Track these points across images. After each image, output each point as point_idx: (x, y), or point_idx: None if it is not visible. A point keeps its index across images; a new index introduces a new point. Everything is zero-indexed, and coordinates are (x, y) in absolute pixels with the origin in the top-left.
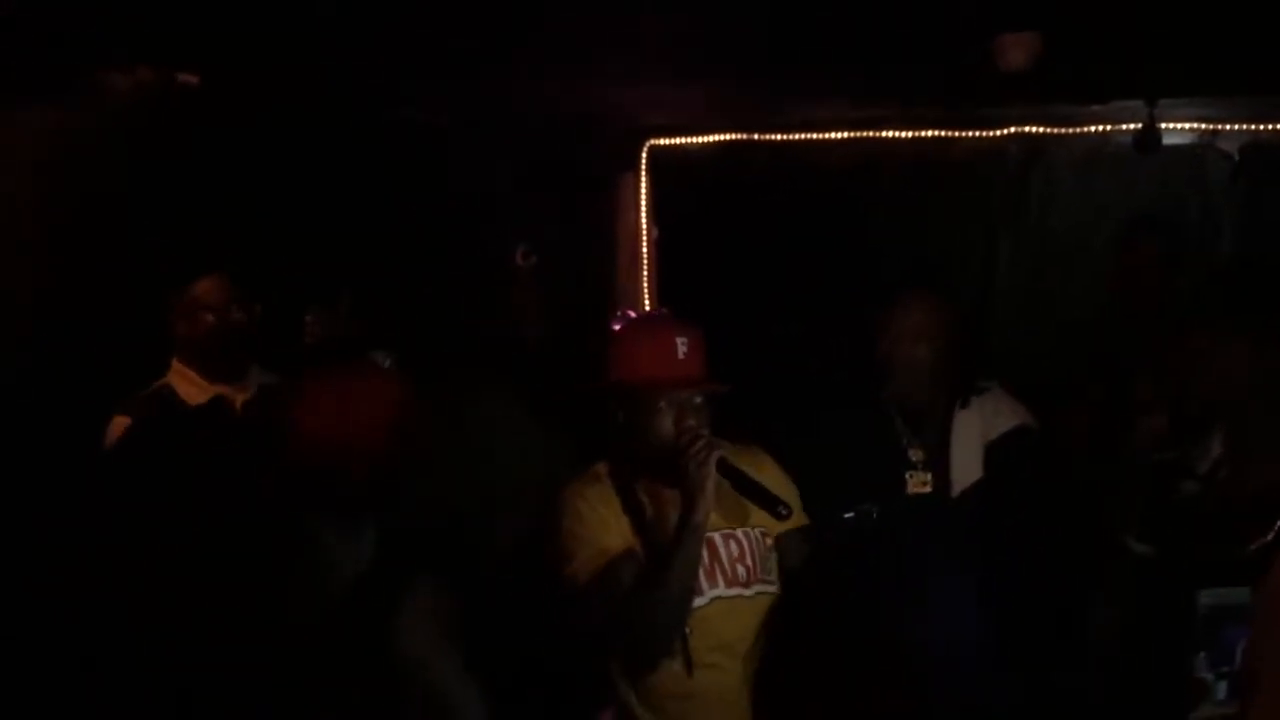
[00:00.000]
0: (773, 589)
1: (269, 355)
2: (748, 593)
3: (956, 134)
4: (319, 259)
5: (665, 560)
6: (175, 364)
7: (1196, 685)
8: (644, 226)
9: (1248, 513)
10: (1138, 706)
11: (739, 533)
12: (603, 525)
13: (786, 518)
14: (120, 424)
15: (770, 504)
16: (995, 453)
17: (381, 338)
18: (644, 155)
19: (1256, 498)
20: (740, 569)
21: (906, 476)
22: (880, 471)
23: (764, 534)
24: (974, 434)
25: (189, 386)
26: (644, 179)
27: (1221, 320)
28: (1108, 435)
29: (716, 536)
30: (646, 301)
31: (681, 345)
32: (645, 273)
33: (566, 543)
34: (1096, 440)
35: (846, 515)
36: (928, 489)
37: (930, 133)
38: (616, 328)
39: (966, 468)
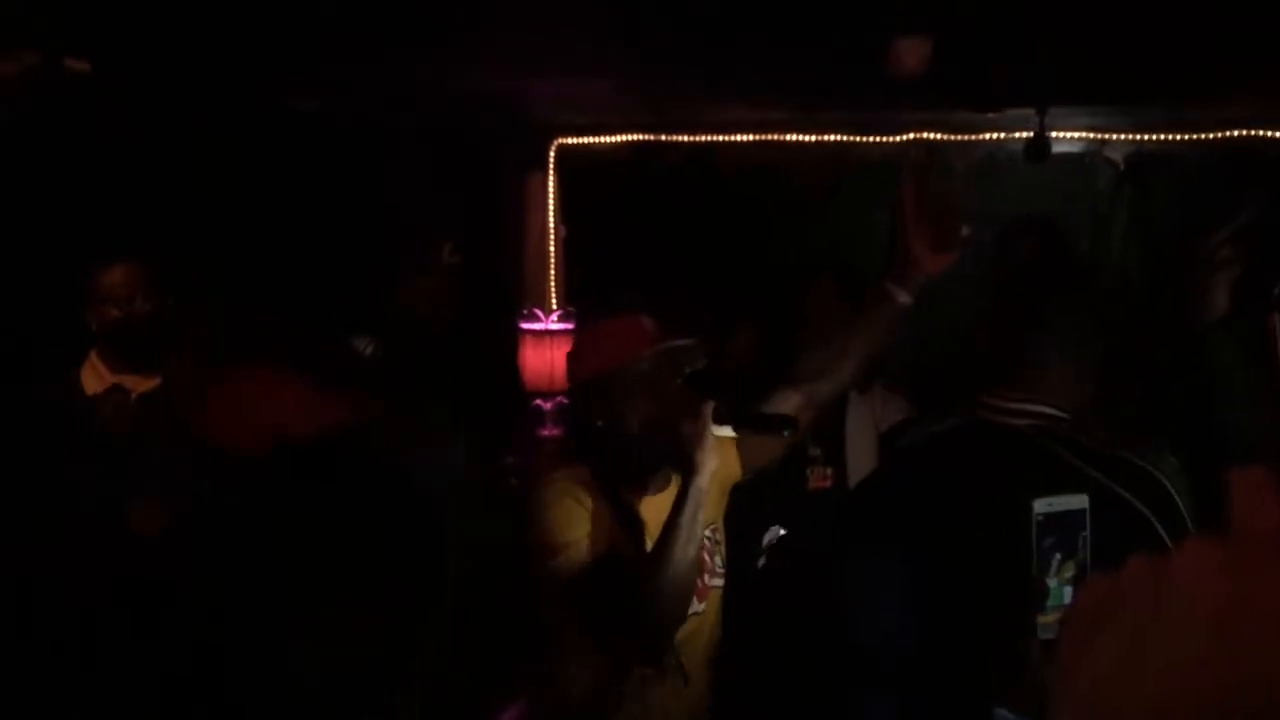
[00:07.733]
0: (719, 581)
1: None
2: (704, 605)
3: (857, 139)
4: (222, 250)
5: (668, 534)
6: (92, 353)
7: (1040, 590)
8: (551, 225)
9: None
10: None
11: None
12: (591, 521)
13: (791, 437)
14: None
15: (777, 427)
16: (890, 442)
17: (360, 323)
18: (552, 154)
19: None
20: (705, 578)
21: (807, 473)
22: (781, 470)
23: (714, 529)
24: (868, 424)
25: (92, 377)
26: (552, 178)
27: None
28: None
29: None
30: (554, 300)
31: (645, 322)
32: (552, 271)
33: (553, 535)
34: None
35: (782, 534)
36: (828, 484)
37: (831, 137)
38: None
39: (862, 458)
